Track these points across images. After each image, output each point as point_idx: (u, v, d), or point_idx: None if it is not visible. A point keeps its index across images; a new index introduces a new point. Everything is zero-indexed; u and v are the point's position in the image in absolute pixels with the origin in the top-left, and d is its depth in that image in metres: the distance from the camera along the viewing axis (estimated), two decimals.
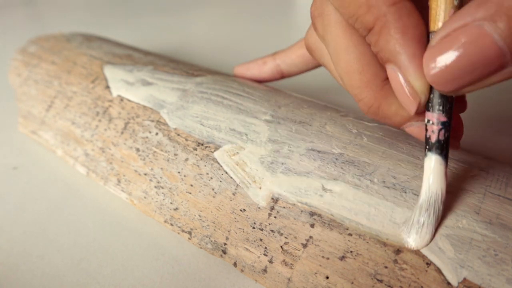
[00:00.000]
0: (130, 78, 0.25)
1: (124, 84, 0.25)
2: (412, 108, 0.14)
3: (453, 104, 0.14)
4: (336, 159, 0.18)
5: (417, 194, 0.16)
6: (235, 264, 0.19)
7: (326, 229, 0.17)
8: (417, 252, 0.15)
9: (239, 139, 0.20)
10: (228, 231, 0.19)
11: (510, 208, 0.15)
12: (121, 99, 0.24)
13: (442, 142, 0.14)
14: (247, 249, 0.18)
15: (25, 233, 0.22)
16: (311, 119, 0.20)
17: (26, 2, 0.70)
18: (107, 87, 0.25)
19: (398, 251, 0.15)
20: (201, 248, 0.19)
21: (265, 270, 0.18)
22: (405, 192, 0.16)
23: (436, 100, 0.14)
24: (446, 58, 0.12)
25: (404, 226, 0.15)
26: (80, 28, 0.47)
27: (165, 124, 0.22)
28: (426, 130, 0.15)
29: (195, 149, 0.21)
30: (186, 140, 0.21)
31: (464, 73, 0.12)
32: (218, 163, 0.20)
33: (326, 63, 0.19)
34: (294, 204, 0.18)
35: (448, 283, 0.14)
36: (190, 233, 0.20)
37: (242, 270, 0.18)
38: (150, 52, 0.30)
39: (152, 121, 0.23)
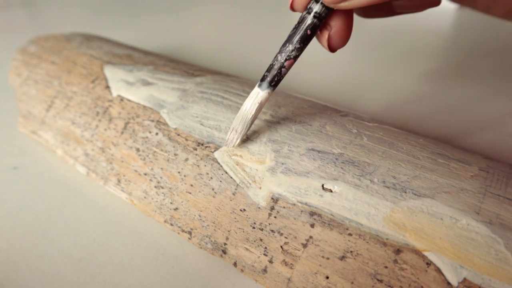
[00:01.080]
0: (130, 78, 0.25)
1: (124, 84, 0.25)
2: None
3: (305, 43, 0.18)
4: (336, 159, 0.18)
5: (417, 194, 0.16)
6: (235, 264, 0.19)
7: (326, 229, 0.17)
8: (417, 252, 0.15)
9: (239, 139, 0.20)
10: (228, 231, 0.19)
11: (510, 208, 0.15)
12: (121, 99, 0.24)
13: (276, 79, 0.18)
14: (247, 249, 0.18)
15: (25, 233, 0.22)
16: (311, 119, 0.20)
17: (26, 2, 0.70)
18: (107, 87, 0.25)
19: (398, 251, 0.15)
20: (201, 248, 0.19)
21: (265, 270, 0.18)
22: (405, 192, 0.16)
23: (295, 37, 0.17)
24: None
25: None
26: (80, 28, 0.47)
27: (165, 124, 0.22)
28: (272, 66, 0.18)
29: (195, 149, 0.21)
30: (186, 140, 0.21)
31: None
32: (218, 163, 0.20)
33: None
34: (294, 204, 0.18)
35: (448, 283, 0.15)
36: (190, 233, 0.20)
37: (242, 270, 0.18)
38: (150, 52, 0.30)
39: (152, 121, 0.23)
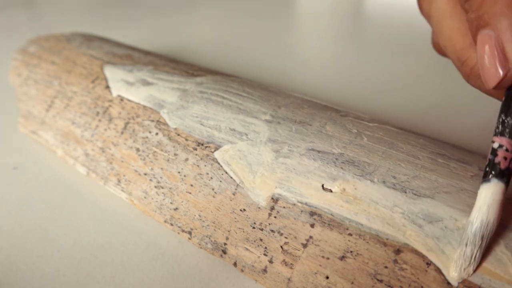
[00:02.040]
0: (130, 78, 0.25)
1: (124, 84, 0.25)
2: (493, 80, 0.13)
3: None
4: (336, 159, 0.18)
5: (417, 194, 0.16)
6: (235, 264, 0.19)
7: (326, 229, 0.17)
8: (417, 252, 0.15)
9: (239, 139, 0.20)
10: (228, 231, 0.19)
11: (510, 208, 0.15)
12: (121, 99, 0.24)
13: (511, 170, 0.13)
14: (247, 249, 0.18)
15: (25, 233, 0.22)
16: (311, 119, 0.20)
17: (26, 2, 0.70)
18: (107, 87, 0.25)
19: (398, 251, 0.15)
20: (201, 248, 0.19)
21: (265, 270, 0.18)
22: (405, 192, 0.16)
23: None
24: None
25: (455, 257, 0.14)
26: (80, 28, 0.47)
27: (165, 124, 0.22)
28: (495, 154, 0.14)
29: (195, 149, 0.21)
30: (186, 140, 0.21)
31: None
32: (218, 163, 0.20)
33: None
34: (294, 204, 0.18)
35: (448, 283, 0.15)
36: (190, 233, 0.20)
37: (242, 270, 0.18)
38: (150, 52, 0.30)
39: (152, 121, 0.23)
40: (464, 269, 0.14)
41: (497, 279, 0.14)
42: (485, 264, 0.14)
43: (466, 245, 0.14)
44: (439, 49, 0.21)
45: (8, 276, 0.20)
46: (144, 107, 0.23)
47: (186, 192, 0.20)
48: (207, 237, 0.19)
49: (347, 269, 0.16)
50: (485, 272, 0.14)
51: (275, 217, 0.18)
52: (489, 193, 0.13)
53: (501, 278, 0.14)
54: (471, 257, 0.14)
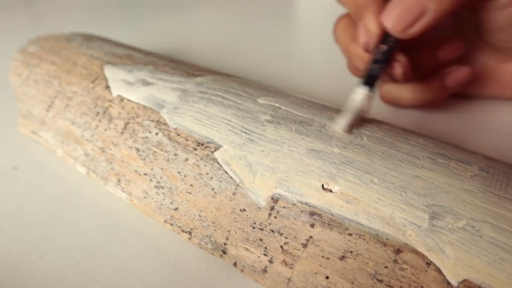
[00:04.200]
0: (130, 78, 0.25)
1: (124, 84, 0.25)
2: (364, 46, 0.23)
3: (389, 54, 0.22)
4: (336, 159, 0.18)
5: (417, 193, 0.16)
6: (235, 264, 0.19)
7: (326, 229, 0.17)
8: (417, 252, 0.15)
9: (239, 139, 0.20)
10: (228, 231, 0.19)
11: (510, 208, 0.15)
12: (121, 99, 0.24)
13: (372, 76, 0.21)
14: (247, 249, 0.18)
15: (25, 233, 0.22)
16: (311, 119, 0.20)
17: (26, 2, 0.70)
18: (107, 87, 0.25)
19: (398, 251, 0.15)
20: (201, 248, 0.19)
21: (265, 270, 0.18)
22: (405, 192, 0.16)
23: (379, 49, 0.23)
24: (396, 9, 0.22)
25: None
26: (80, 28, 0.47)
27: (165, 124, 0.22)
28: (368, 68, 0.22)
29: (195, 149, 0.21)
30: (186, 140, 0.21)
31: (405, 17, 0.21)
32: (218, 163, 0.20)
33: None
34: (294, 204, 0.18)
35: (448, 283, 0.15)
36: (190, 233, 0.20)
37: (242, 270, 0.18)
38: (150, 52, 0.30)
39: (152, 121, 0.23)
40: (344, 126, 0.19)
41: (497, 279, 0.14)
42: (485, 267, 0.14)
43: (348, 112, 0.20)
44: (355, 72, 0.29)
45: (8, 276, 0.20)
46: (144, 107, 0.23)
47: (186, 192, 0.20)
48: (207, 237, 0.19)
49: (347, 269, 0.16)
50: (486, 272, 0.14)
51: (275, 217, 0.18)
52: (361, 90, 0.21)
53: (501, 278, 0.14)
54: (349, 120, 0.20)
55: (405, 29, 0.22)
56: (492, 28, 0.27)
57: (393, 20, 0.22)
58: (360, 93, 0.20)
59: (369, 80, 0.21)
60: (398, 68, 0.23)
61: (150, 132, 0.22)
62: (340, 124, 0.19)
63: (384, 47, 0.22)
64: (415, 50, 0.26)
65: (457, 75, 0.28)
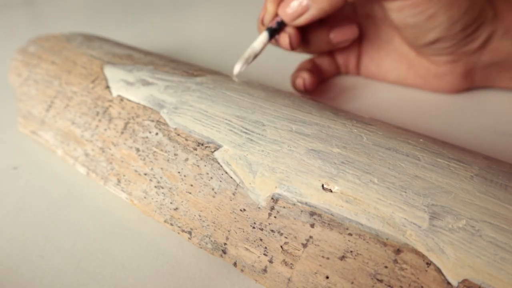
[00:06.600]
0: (130, 78, 0.25)
1: (124, 84, 0.25)
2: (261, 19, 0.30)
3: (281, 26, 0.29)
4: (336, 159, 0.18)
5: (417, 193, 0.16)
6: (235, 264, 0.19)
7: (326, 229, 0.17)
8: (417, 252, 0.15)
9: (239, 139, 0.20)
10: (228, 231, 0.19)
11: (510, 208, 0.15)
12: (121, 99, 0.24)
13: (272, 28, 0.28)
14: (247, 249, 0.18)
15: (25, 233, 0.22)
16: (311, 119, 0.20)
17: (26, 2, 0.70)
18: (107, 87, 0.25)
19: (398, 251, 0.15)
20: (201, 248, 0.19)
21: (265, 270, 0.18)
22: (405, 192, 0.16)
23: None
24: (288, 3, 0.28)
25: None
26: (80, 28, 0.47)
27: (165, 124, 0.22)
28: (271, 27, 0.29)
29: (195, 149, 0.21)
30: (186, 140, 0.21)
31: (292, 10, 0.27)
32: (218, 163, 0.20)
33: None
34: (294, 204, 0.18)
35: (448, 283, 0.15)
36: (190, 233, 0.20)
37: (242, 270, 0.18)
38: (150, 52, 0.30)
39: (152, 121, 0.23)
40: (241, 66, 0.27)
41: (497, 279, 0.14)
42: (485, 267, 0.14)
43: (246, 55, 0.27)
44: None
45: (8, 276, 0.20)
46: (144, 107, 0.23)
47: (186, 192, 0.20)
48: (207, 237, 0.19)
49: (347, 269, 0.16)
50: (486, 272, 0.14)
51: (275, 217, 0.18)
52: (260, 36, 0.28)
53: (501, 278, 0.14)
54: (245, 61, 0.27)
55: (292, 20, 0.28)
56: (395, 26, 0.30)
57: (285, 11, 0.28)
58: (262, 36, 0.28)
59: (270, 31, 0.28)
60: (285, 38, 0.29)
61: (150, 132, 0.22)
62: (237, 65, 0.26)
63: (280, 18, 0.29)
64: (311, 27, 0.31)
65: (342, 30, 0.32)
